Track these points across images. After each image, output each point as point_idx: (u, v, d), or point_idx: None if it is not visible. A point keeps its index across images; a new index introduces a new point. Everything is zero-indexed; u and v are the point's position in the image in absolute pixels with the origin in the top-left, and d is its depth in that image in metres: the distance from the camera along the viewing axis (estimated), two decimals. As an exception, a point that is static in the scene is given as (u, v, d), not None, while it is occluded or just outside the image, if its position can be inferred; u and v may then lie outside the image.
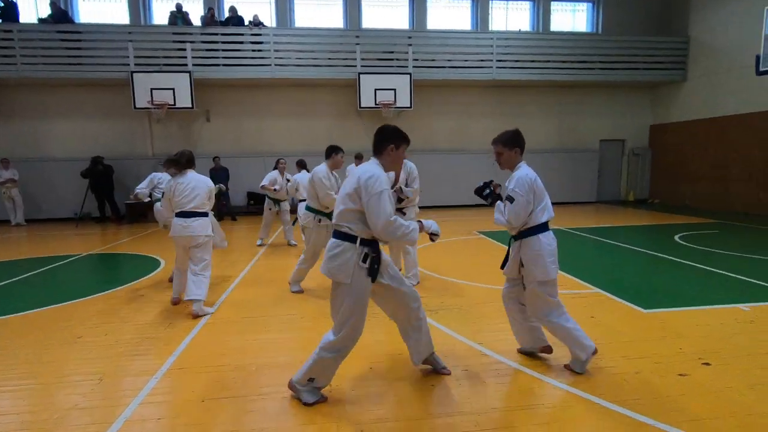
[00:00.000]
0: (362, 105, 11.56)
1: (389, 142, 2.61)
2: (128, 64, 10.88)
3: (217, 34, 11.36)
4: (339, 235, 2.52)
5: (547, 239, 2.89)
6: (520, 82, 12.59)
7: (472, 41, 12.21)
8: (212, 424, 2.46)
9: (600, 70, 12.52)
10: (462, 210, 12.43)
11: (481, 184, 3.10)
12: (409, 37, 12.07)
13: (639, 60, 12.56)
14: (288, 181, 7.44)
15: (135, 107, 10.91)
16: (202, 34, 11.34)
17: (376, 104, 11.52)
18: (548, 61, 12.31)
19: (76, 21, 11.78)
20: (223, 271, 5.88)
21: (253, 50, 11.45)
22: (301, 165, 7.00)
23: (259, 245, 7.73)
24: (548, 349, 3.17)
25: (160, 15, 12.30)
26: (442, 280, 5.31)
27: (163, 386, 2.88)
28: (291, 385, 2.68)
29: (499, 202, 3.03)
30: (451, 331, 3.73)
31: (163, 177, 5.67)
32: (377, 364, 3.13)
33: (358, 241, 2.48)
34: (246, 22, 11.67)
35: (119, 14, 12.14)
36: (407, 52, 11.73)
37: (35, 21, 11.31)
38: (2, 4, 10.99)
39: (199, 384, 2.90)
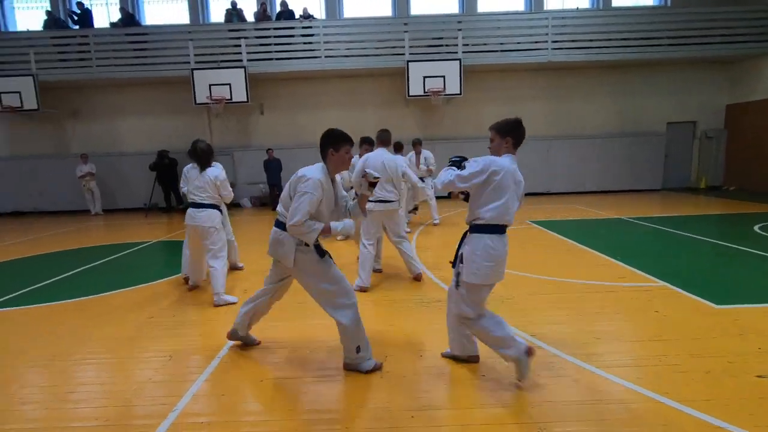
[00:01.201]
0: (411, 93, 11.46)
1: (328, 146, 2.76)
2: (188, 62, 11.48)
3: (269, 29, 11.70)
4: (279, 224, 2.79)
5: (494, 243, 2.58)
6: (576, 64, 11.92)
7: (525, 22, 11.70)
8: (270, 402, 2.60)
9: (668, 47, 11.55)
10: (514, 199, 12.07)
11: (458, 158, 2.74)
12: (459, 22, 11.77)
13: (714, 33, 11.44)
14: None
15: (195, 103, 11.51)
16: (255, 29, 11.72)
17: (425, 92, 11.38)
18: (609, 39, 11.54)
19: (142, 23, 12.58)
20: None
21: (304, 43, 11.69)
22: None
23: None
24: (475, 359, 2.94)
25: (217, 13, 12.85)
26: (493, 270, 5.20)
27: (225, 365, 3.07)
28: (346, 366, 2.90)
29: (452, 166, 2.70)
30: (502, 321, 3.66)
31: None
32: (427, 351, 3.15)
33: None
34: (297, 16, 11.91)
35: (180, 14, 12.82)
36: (457, 38, 11.45)
37: (107, 26, 12.21)
38: (79, 11, 11.95)
39: (257, 365, 3.06)
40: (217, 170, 4.41)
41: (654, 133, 12.71)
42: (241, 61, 11.50)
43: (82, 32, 11.69)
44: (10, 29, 12.89)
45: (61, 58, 11.64)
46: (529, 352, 2.57)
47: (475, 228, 2.64)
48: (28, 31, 12.24)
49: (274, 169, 11.81)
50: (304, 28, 11.69)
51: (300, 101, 12.55)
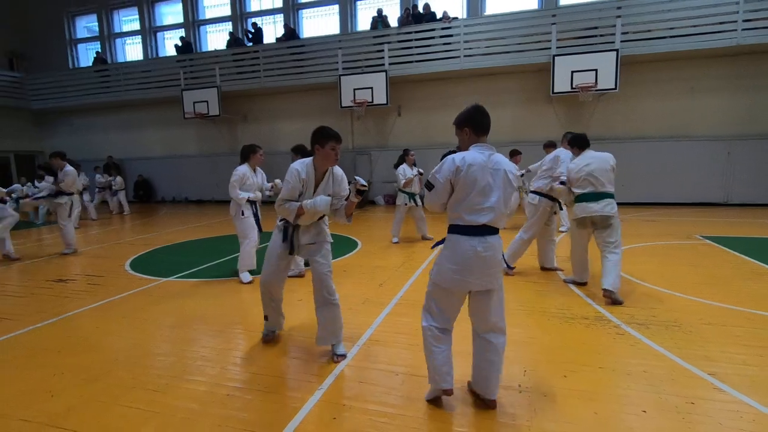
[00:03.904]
0: (555, 90, 10.65)
1: (314, 142, 3.00)
2: (337, 69, 12.48)
3: (411, 33, 12.04)
4: None
5: (464, 246, 2.31)
6: (778, 46, 9.67)
7: (707, 1, 9.90)
8: (407, 397, 2.64)
9: None
10: (680, 209, 10.34)
11: (448, 151, 2.58)
12: (618, 8, 10.52)
13: None
14: (420, 173, 7.13)
15: (341, 106, 12.48)
16: (398, 34, 12.18)
17: (572, 88, 10.47)
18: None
19: (301, 36, 14.09)
20: (407, 259, 6.26)
21: (444, 44, 11.74)
22: None
23: (396, 243, 7.26)
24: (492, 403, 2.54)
25: (364, 21, 13.69)
26: (653, 289, 4.51)
27: (364, 353, 3.23)
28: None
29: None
30: (666, 351, 3.13)
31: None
32: (572, 372, 2.86)
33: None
34: (438, 17, 12.02)
35: (332, 25, 14.00)
36: (614, 26, 10.25)
37: (273, 41, 13.98)
38: (253, 30, 13.92)
39: (388, 355, 3.14)
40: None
41: None
42: (383, 65, 12.07)
43: (254, 48, 13.61)
44: (204, 50, 15.68)
45: (238, 71, 13.72)
46: (448, 393, 2.47)
47: (450, 228, 2.43)
48: (215, 50, 14.74)
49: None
50: (443, 29, 11.74)
51: (435, 102, 12.65)
